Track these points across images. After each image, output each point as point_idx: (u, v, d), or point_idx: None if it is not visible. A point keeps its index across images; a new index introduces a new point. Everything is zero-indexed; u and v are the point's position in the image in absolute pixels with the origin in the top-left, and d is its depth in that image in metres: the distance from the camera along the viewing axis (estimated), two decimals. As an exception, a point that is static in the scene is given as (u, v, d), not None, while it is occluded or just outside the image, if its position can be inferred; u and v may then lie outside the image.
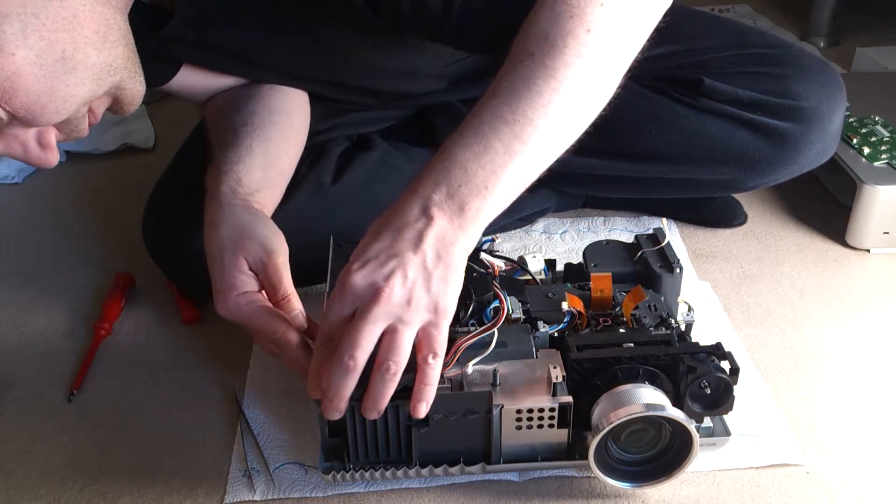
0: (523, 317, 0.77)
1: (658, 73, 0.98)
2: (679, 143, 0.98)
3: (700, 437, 0.69)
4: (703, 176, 1.00)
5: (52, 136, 0.72)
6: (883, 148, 1.09)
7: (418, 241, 0.64)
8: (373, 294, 0.63)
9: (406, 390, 0.67)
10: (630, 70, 0.70)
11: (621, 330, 0.74)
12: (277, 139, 0.91)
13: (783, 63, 0.96)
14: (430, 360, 0.65)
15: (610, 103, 0.70)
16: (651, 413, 0.66)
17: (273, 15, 0.80)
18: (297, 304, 0.76)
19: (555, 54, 0.64)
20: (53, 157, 0.73)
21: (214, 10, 0.79)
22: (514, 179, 0.65)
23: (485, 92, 0.66)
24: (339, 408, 0.66)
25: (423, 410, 0.67)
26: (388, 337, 0.64)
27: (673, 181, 1.03)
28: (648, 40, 0.70)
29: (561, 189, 1.12)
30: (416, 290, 0.63)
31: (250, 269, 0.76)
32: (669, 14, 0.71)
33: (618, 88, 0.70)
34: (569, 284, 0.82)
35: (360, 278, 0.63)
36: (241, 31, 0.84)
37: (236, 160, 0.86)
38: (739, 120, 0.95)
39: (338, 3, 0.74)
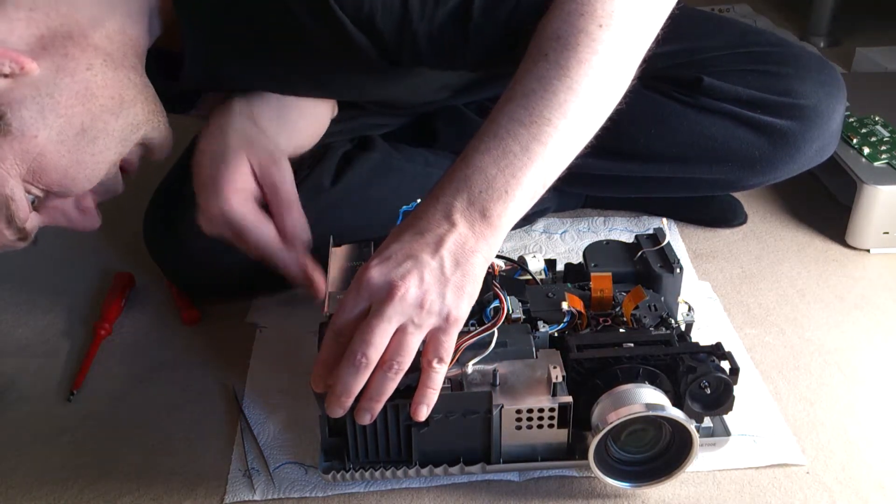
0: (523, 317, 0.77)
1: (658, 73, 0.98)
2: (679, 143, 0.98)
3: (700, 437, 0.69)
4: (704, 175, 1.01)
5: (90, 201, 0.75)
6: (883, 148, 1.09)
7: (438, 245, 0.64)
8: (388, 291, 0.63)
9: (409, 390, 0.67)
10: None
11: (621, 330, 0.74)
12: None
13: (783, 62, 0.96)
14: (435, 364, 0.66)
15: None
16: (651, 413, 0.66)
17: (283, 60, 0.79)
18: (300, 220, 0.74)
19: (568, 53, 0.64)
20: (95, 221, 0.77)
21: (224, 56, 0.79)
22: (535, 181, 0.65)
23: (501, 96, 0.67)
24: (344, 405, 0.66)
25: (423, 413, 0.67)
26: (397, 336, 0.64)
27: (673, 180, 1.04)
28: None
29: (561, 188, 1.12)
30: (431, 294, 0.63)
31: (253, 174, 0.75)
32: (669, 15, 0.71)
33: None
34: (569, 284, 0.82)
35: (377, 274, 0.64)
36: (250, 74, 0.83)
37: (248, 95, 0.85)
38: (739, 119, 0.95)
39: (354, 56, 0.74)
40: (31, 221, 0.72)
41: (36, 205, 0.72)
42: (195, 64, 0.78)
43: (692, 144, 0.98)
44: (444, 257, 0.64)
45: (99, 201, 0.77)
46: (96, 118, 0.69)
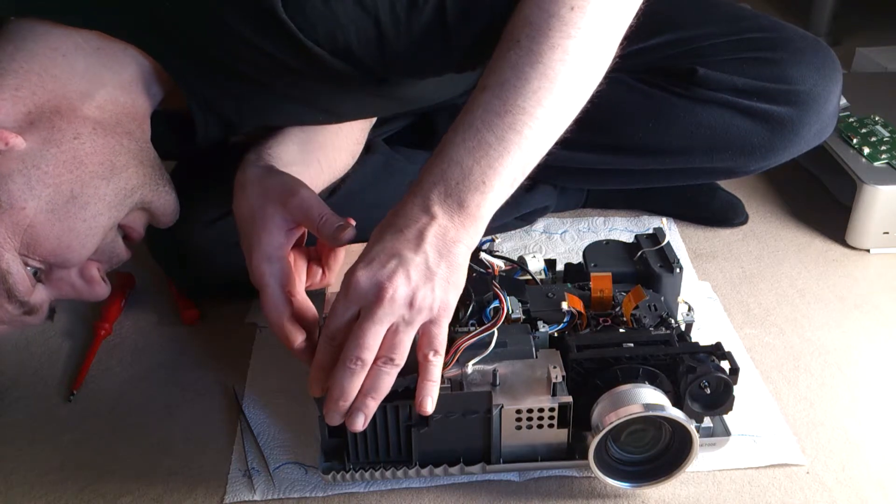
0: (523, 317, 0.77)
1: (652, 65, 0.98)
2: (678, 136, 0.98)
3: (700, 437, 0.69)
4: (704, 164, 1.01)
5: (94, 270, 0.75)
6: (883, 148, 1.09)
7: (419, 239, 0.64)
8: (376, 294, 0.63)
9: (408, 391, 0.67)
10: (624, 64, 0.69)
11: (621, 330, 0.74)
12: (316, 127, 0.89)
13: (777, 47, 0.96)
14: (431, 357, 0.66)
15: (607, 99, 0.69)
16: (651, 413, 0.66)
17: (282, 98, 0.79)
18: (336, 220, 0.73)
19: (540, 39, 0.63)
20: (102, 289, 0.77)
21: (228, 106, 0.79)
22: (513, 171, 0.65)
23: (476, 86, 0.66)
24: (342, 409, 0.66)
25: (429, 406, 0.67)
26: (389, 335, 0.64)
27: (674, 171, 1.04)
28: (641, 32, 0.69)
29: (562, 184, 1.12)
30: (420, 290, 0.63)
31: (280, 220, 0.74)
32: (660, 4, 0.70)
33: (613, 84, 0.69)
34: (569, 284, 0.82)
35: (363, 278, 0.63)
36: (259, 118, 0.83)
37: (270, 135, 0.84)
38: (736, 107, 0.96)
39: (344, 81, 0.74)
40: (38, 295, 0.72)
41: (40, 277, 0.72)
42: (205, 120, 0.79)
43: (691, 135, 0.98)
44: (428, 251, 0.64)
45: (106, 270, 0.78)
46: (86, 184, 0.70)
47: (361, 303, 0.64)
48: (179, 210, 0.80)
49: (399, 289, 0.63)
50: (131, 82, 0.74)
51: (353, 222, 0.74)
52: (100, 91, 0.72)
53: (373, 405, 0.66)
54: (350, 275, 0.64)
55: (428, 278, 0.64)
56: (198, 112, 0.78)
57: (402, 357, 0.65)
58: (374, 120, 0.99)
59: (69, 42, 0.71)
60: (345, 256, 0.81)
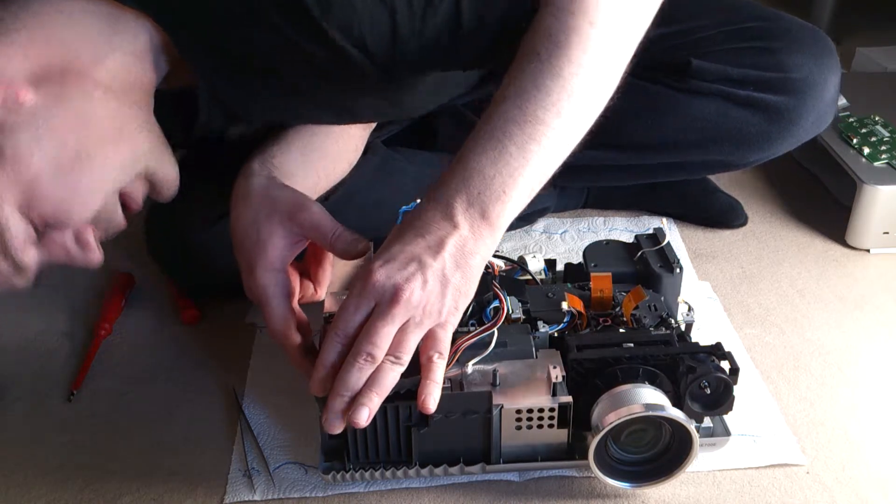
0: (523, 317, 0.77)
1: (647, 59, 0.98)
2: (675, 130, 0.98)
3: (700, 437, 0.69)
4: (702, 157, 1.01)
5: (90, 235, 0.74)
6: (883, 148, 1.09)
7: (439, 247, 0.65)
8: (393, 294, 0.64)
9: (409, 393, 0.67)
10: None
11: (621, 330, 0.74)
12: (320, 129, 0.89)
13: (773, 36, 0.95)
14: (435, 359, 0.66)
15: None
16: (651, 413, 0.66)
17: (289, 91, 0.79)
18: (349, 235, 0.74)
19: (559, 52, 0.65)
20: (95, 256, 0.75)
21: (234, 92, 0.79)
22: (532, 180, 0.66)
23: (495, 95, 0.67)
24: (345, 404, 0.66)
25: (431, 404, 0.67)
26: (398, 335, 0.65)
27: (673, 165, 1.04)
28: None
29: (560, 183, 1.12)
30: (433, 295, 0.65)
31: (286, 233, 0.74)
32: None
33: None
34: (569, 284, 0.82)
35: (382, 276, 0.64)
36: (263, 108, 0.82)
37: (273, 142, 0.84)
38: (732, 98, 0.95)
39: (359, 80, 0.74)
40: (30, 256, 0.71)
41: (33, 239, 0.71)
42: (209, 106, 0.78)
43: (686, 128, 0.98)
44: (446, 259, 0.65)
45: (102, 239, 0.77)
46: (93, 146, 0.69)
47: (377, 300, 0.65)
48: (179, 183, 0.80)
49: (415, 292, 0.64)
50: (144, 51, 0.73)
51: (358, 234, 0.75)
52: (110, 57, 0.71)
53: (377, 400, 0.66)
54: (368, 272, 0.65)
55: (443, 285, 0.65)
56: (203, 93, 0.77)
57: (407, 356, 0.65)
58: (372, 126, 0.99)
59: (76, 6, 0.70)
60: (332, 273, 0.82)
